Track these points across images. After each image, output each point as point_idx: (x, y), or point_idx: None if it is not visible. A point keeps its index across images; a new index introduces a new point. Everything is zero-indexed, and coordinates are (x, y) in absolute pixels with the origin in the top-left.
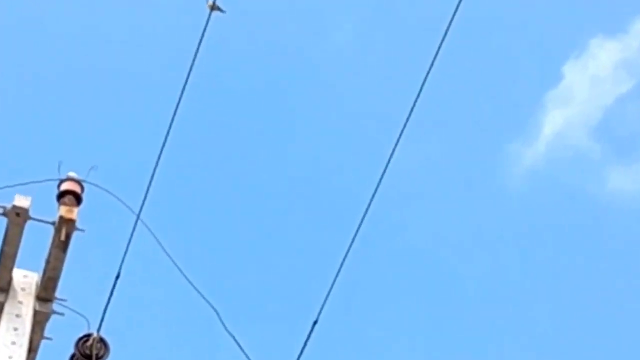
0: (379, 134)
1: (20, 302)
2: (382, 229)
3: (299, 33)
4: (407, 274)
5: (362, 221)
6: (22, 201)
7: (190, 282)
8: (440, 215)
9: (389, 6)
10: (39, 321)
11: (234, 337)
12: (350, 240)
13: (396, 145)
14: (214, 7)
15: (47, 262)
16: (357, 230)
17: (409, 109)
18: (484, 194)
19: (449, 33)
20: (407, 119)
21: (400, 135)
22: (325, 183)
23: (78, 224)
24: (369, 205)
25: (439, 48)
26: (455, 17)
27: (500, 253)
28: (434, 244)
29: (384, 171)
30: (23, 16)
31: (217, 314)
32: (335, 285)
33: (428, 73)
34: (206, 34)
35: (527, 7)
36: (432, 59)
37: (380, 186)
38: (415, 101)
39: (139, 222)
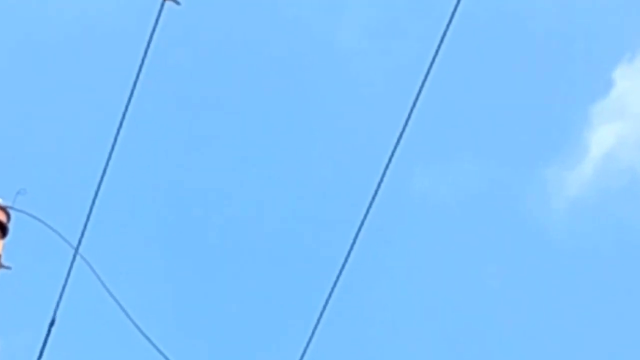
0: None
1: None
2: (399, 267)
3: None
4: (425, 324)
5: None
6: None
7: (137, 325)
8: (461, 263)
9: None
10: None
11: None
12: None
13: (382, 177)
14: None
15: None
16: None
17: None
18: (517, 232)
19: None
20: (398, 142)
21: (388, 165)
22: (333, 211)
23: (3, 260)
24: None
25: (437, 52)
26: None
27: (539, 309)
28: (457, 295)
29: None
30: None
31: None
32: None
33: (424, 79)
34: (162, 28)
35: (569, 5)
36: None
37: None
38: (407, 117)
39: (77, 256)
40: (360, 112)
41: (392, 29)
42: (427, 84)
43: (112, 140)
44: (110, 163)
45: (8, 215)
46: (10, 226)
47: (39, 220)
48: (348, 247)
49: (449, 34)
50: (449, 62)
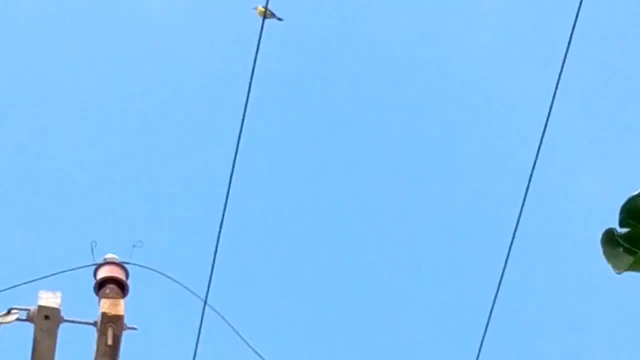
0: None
1: None
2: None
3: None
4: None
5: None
6: (49, 299)
7: None
8: None
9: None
10: None
11: None
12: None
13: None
14: (266, 14)
15: None
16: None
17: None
18: None
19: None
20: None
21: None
22: (476, 226)
23: (127, 321)
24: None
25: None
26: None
27: None
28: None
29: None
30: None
31: None
32: None
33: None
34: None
35: None
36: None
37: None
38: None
39: (206, 307)
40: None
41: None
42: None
43: (226, 186)
44: (227, 208)
45: (126, 272)
46: (130, 283)
47: (162, 273)
48: (507, 250)
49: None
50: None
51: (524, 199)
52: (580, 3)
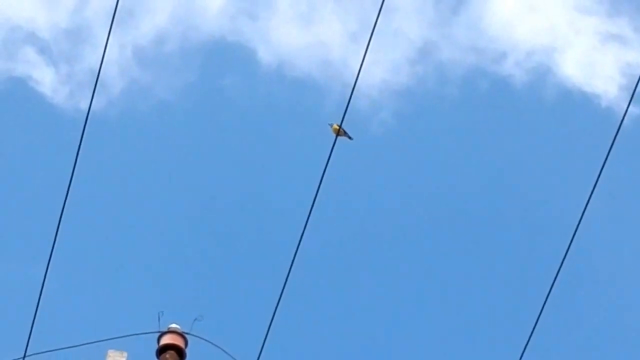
0: None
1: None
2: None
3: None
4: None
5: None
6: (117, 358)
7: None
8: None
9: None
10: None
11: None
12: None
13: None
14: (340, 132)
15: None
16: None
17: None
18: None
19: None
20: None
21: None
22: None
23: None
24: None
25: None
26: None
27: None
28: None
29: None
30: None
31: None
32: None
33: None
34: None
35: None
36: None
37: None
38: None
39: None
40: None
41: None
42: None
43: (287, 270)
44: (286, 287)
45: (186, 341)
46: (188, 352)
47: (217, 346)
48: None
49: None
50: None
51: None
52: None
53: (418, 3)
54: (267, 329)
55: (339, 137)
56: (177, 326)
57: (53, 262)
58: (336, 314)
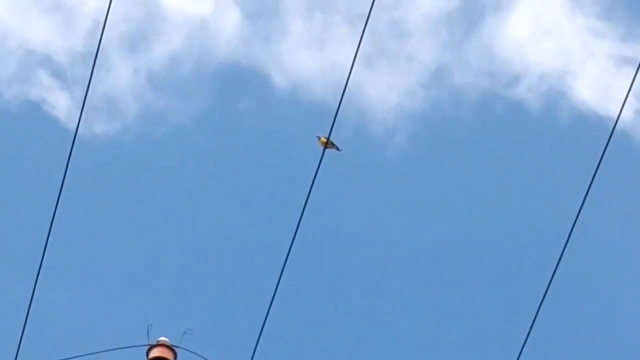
0: None
1: None
2: None
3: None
4: None
5: None
6: None
7: None
8: None
9: None
10: None
11: None
12: None
13: None
14: (328, 145)
15: None
16: None
17: None
18: None
19: None
20: None
21: None
22: None
23: None
24: None
25: None
26: None
27: None
28: None
29: None
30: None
31: None
32: None
33: None
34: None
35: None
36: None
37: None
38: None
39: None
40: None
41: None
42: None
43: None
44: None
45: (175, 354)
46: None
47: (206, 359)
48: None
49: None
50: None
51: None
52: None
53: (431, 27)
54: (255, 343)
55: (327, 149)
56: (166, 339)
57: (45, 278)
58: (324, 328)
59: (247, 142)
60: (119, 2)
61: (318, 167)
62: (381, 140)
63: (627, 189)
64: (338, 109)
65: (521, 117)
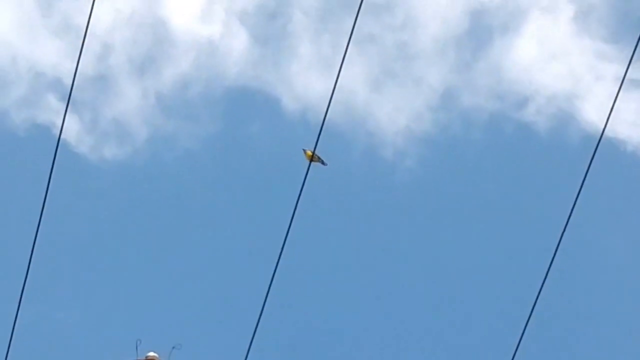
0: None
1: None
2: None
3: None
4: None
5: None
6: None
7: None
8: None
9: None
10: None
11: None
12: None
13: None
14: (313, 158)
15: None
16: None
17: None
18: None
19: None
20: None
21: None
22: None
23: None
24: None
25: None
26: None
27: None
28: None
29: None
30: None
31: None
32: None
33: None
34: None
35: None
36: None
37: None
38: None
39: None
40: None
41: None
42: None
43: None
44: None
45: None
46: None
47: None
48: None
49: None
50: None
51: None
52: None
53: (439, 50)
54: (245, 358)
55: (313, 163)
56: (155, 354)
57: (35, 295)
58: (313, 342)
59: (257, 164)
60: (127, 26)
61: (304, 182)
62: (391, 164)
63: (637, 209)
64: (323, 122)
65: (530, 139)
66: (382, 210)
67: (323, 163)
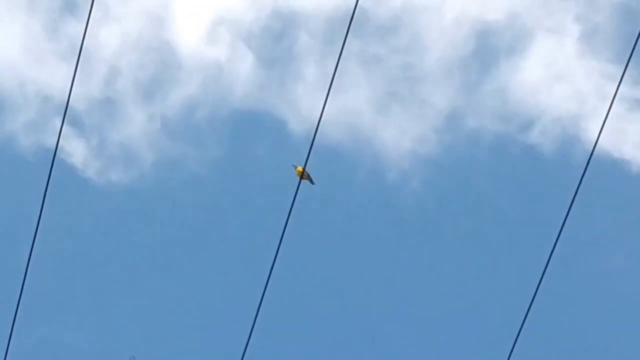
0: None
1: None
2: None
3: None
4: None
5: None
6: None
7: None
8: None
9: None
10: None
11: None
12: None
13: None
14: (304, 176)
15: None
16: None
17: None
18: None
19: None
20: None
21: None
22: None
23: None
24: None
25: None
26: None
27: None
28: None
29: None
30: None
31: None
32: None
33: None
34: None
35: None
36: None
37: None
38: None
39: None
40: None
41: None
42: None
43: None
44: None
45: None
46: None
47: None
48: None
49: None
50: None
51: None
52: None
53: (444, 71)
54: None
55: (303, 180)
56: None
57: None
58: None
59: (264, 187)
60: (134, 49)
61: (294, 199)
62: (396, 186)
63: None
64: (314, 139)
65: (535, 160)
66: (388, 232)
67: (311, 182)
